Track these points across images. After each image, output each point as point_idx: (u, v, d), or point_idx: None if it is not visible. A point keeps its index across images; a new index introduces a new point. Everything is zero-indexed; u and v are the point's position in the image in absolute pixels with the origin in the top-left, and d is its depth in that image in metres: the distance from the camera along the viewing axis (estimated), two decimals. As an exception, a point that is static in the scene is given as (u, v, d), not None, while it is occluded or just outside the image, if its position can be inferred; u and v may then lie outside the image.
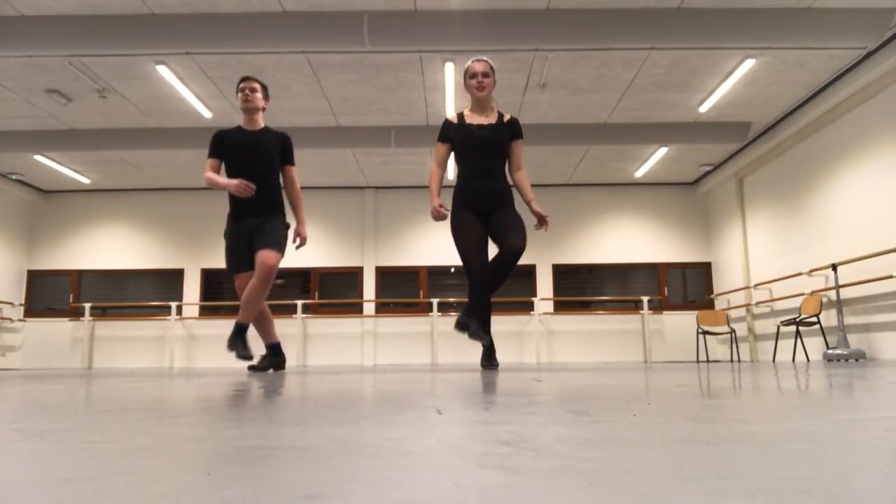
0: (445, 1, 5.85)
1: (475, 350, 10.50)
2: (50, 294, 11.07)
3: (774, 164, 9.00)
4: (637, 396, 1.43)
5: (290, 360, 10.54)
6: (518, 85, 7.40)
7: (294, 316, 10.61)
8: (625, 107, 8.08)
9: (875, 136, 6.91)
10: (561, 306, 10.98)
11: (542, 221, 4.06)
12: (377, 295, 10.93)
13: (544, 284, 10.93)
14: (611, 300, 11.01)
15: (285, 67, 6.91)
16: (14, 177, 10.32)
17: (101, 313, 10.94)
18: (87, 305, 10.61)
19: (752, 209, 9.73)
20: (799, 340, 8.28)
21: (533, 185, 10.67)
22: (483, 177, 4.04)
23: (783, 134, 8.40)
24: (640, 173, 10.51)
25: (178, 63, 6.74)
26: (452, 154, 4.20)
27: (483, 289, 3.87)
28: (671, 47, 6.36)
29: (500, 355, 10.53)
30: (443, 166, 4.14)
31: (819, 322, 7.48)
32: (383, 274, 11.06)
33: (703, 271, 11.12)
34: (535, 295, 10.84)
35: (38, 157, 9.30)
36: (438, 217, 3.99)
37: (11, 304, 10.68)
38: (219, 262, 10.44)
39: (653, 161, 9.89)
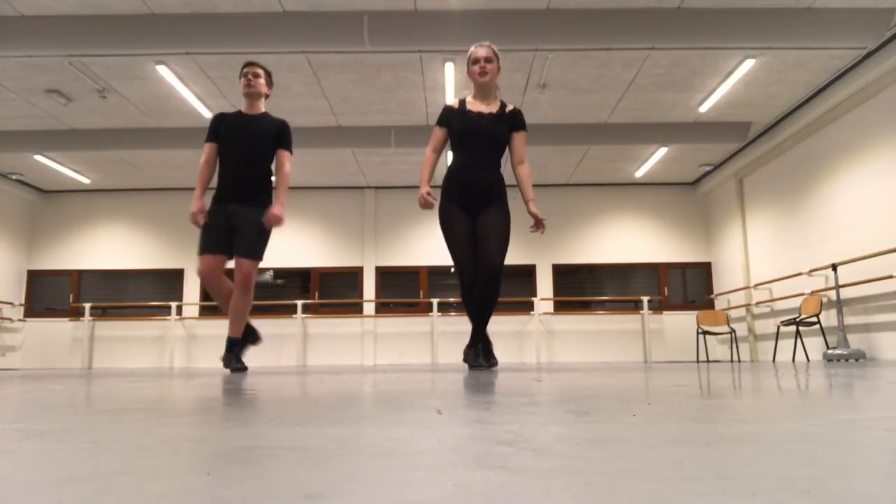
0: (445, 1, 5.85)
1: (475, 350, 10.48)
2: (50, 294, 11.07)
3: (774, 164, 9.00)
4: (637, 396, 1.43)
5: (290, 360, 10.54)
6: (518, 85, 7.39)
7: (294, 316, 10.61)
8: (625, 107, 8.08)
9: (875, 136, 6.91)
10: (561, 306, 10.98)
11: (538, 224, 3.93)
12: (377, 295, 10.93)
13: (544, 284, 10.94)
14: (611, 300, 11.01)
15: (285, 67, 6.91)
16: (14, 177, 10.32)
17: (101, 313, 10.94)
18: (87, 305, 10.61)
19: (752, 209, 9.73)
20: (799, 340, 8.28)
21: (533, 186, 10.65)
22: (475, 167, 3.87)
23: (783, 134, 8.40)
24: (640, 173, 10.51)
25: (178, 63, 6.74)
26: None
27: (477, 322, 3.86)
28: (671, 47, 6.36)
29: (501, 355, 10.52)
30: (437, 152, 3.98)
31: (819, 322, 7.48)
32: (383, 274, 11.06)
33: (703, 271, 11.12)
34: (535, 295, 10.84)
35: (38, 157, 9.30)
36: (425, 205, 3.83)
37: (11, 304, 10.68)
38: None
39: (653, 161, 9.89)
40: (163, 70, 6.80)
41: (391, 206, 11.14)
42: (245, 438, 0.80)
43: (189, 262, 10.99)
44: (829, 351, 6.80)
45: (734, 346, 10.12)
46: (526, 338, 10.63)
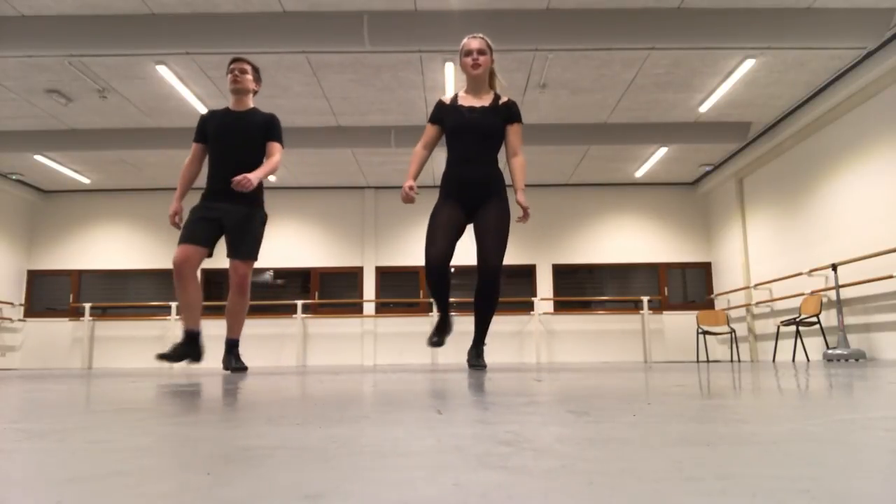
0: (445, 1, 5.85)
1: (475, 350, 10.49)
2: (50, 294, 11.07)
3: (774, 164, 9.00)
4: (637, 396, 1.43)
5: (290, 360, 10.54)
6: (518, 85, 7.39)
7: (294, 316, 10.61)
8: (625, 107, 8.08)
9: (875, 136, 6.91)
10: (561, 306, 10.98)
11: (525, 215, 3.76)
12: (377, 295, 10.93)
13: (544, 284, 10.93)
14: (611, 300, 11.01)
15: (285, 67, 6.91)
16: (14, 177, 10.32)
17: (101, 313, 10.94)
18: (87, 305, 10.61)
19: (752, 209, 9.73)
20: (799, 340, 8.28)
21: (533, 185, 10.65)
22: (471, 164, 3.76)
23: (783, 134, 8.41)
24: (640, 173, 10.51)
25: (178, 63, 6.74)
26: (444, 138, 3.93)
27: (480, 326, 3.89)
28: (671, 47, 6.36)
29: (501, 355, 10.53)
30: (428, 149, 3.86)
31: (819, 322, 7.48)
32: (383, 274, 11.06)
33: (703, 271, 11.12)
34: (535, 295, 10.83)
35: (38, 157, 9.30)
36: (406, 199, 3.71)
37: (11, 304, 10.68)
38: (218, 262, 10.41)
39: (653, 161, 9.89)
40: (163, 70, 6.80)
41: (391, 206, 11.14)
42: (245, 438, 0.80)
43: (189, 262, 10.97)
44: (829, 351, 6.80)
45: (734, 346, 10.12)
46: (526, 338, 10.62)
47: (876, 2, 5.86)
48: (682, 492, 0.47)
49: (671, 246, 11.12)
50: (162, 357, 3.88)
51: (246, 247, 4.01)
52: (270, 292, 11.01)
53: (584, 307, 11.01)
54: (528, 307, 10.74)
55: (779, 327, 8.34)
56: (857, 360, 6.67)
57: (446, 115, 3.83)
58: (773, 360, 8.48)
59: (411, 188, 3.71)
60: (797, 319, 7.56)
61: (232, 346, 4.15)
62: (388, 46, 6.17)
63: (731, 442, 0.72)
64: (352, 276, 11.08)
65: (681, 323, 10.75)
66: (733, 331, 9.78)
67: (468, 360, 3.95)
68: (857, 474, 0.53)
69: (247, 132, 4.09)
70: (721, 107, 8.09)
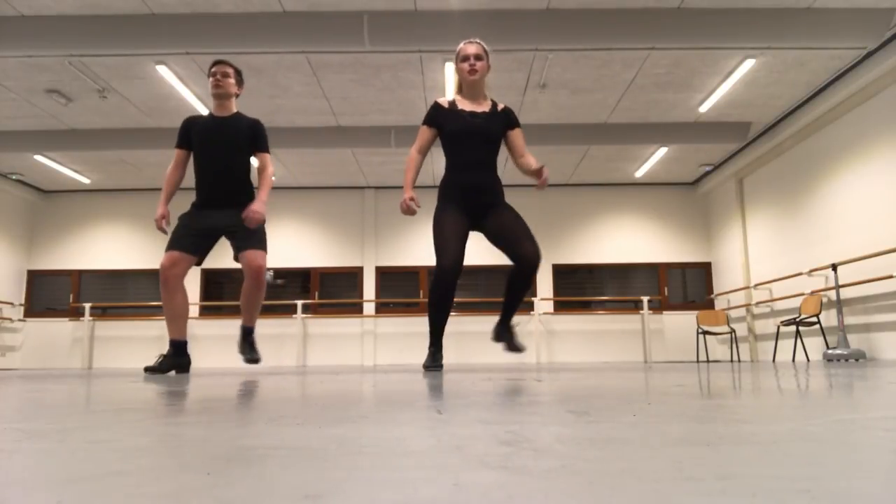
0: (445, 1, 5.85)
1: (475, 350, 10.50)
2: (50, 294, 11.07)
3: (774, 164, 9.01)
4: (637, 396, 1.43)
5: (290, 360, 10.55)
6: (518, 85, 7.39)
7: (294, 316, 10.61)
8: (625, 107, 8.08)
9: (875, 136, 6.91)
10: (561, 306, 10.98)
11: (541, 178, 3.62)
12: (377, 295, 10.93)
13: (544, 284, 10.93)
14: (611, 300, 11.01)
15: (285, 67, 6.91)
16: (14, 177, 10.33)
17: (101, 313, 10.94)
18: (87, 305, 10.61)
19: (752, 209, 9.73)
20: (799, 340, 8.28)
21: (533, 185, 10.65)
22: (473, 169, 3.71)
23: (783, 134, 8.41)
24: (640, 173, 10.51)
25: (178, 63, 6.74)
26: (438, 143, 3.89)
27: (507, 312, 3.83)
28: (671, 47, 6.36)
29: (501, 355, 10.53)
30: (423, 153, 3.79)
31: (819, 322, 7.48)
32: (383, 274, 11.06)
33: (703, 271, 11.12)
34: (535, 295, 10.84)
35: (38, 157, 9.30)
36: (407, 211, 3.64)
37: (11, 304, 10.68)
38: (218, 262, 10.44)
39: (653, 161, 9.90)
40: (163, 70, 6.80)
41: (391, 206, 11.14)
42: (245, 438, 0.80)
43: (189, 262, 10.97)
44: (829, 351, 6.80)
45: (734, 346, 10.12)
46: (526, 338, 10.62)
47: (876, 2, 5.86)
48: (682, 492, 0.47)
49: (671, 246, 11.13)
50: (149, 370, 3.88)
51: (257, 238, 4.02)
52: (270, 292, 11.01)
53: (585, 307, 11.01)
54: (527, 307, 10.74)
55: (779, 327, 8.34)
56: (857, 360, 6.67)
57: (445, 119, 3.78)
58: (773, 360, 8.48)
59: (412, 199, 3.64)
60: (797, 319, 7.56)
61: (247, 333, 4.16)
62: (388, 46, 6.17)
63: (731, 442, 0.72)
64: (352, 276, 11.08)
65: (681, 323, 10.75)
66: (733, 331, 9.78)
67: (501, 338, 3.78)
68: (857, 474, 0.53)
69: (232, 140, 4.07)
70: (721, 107, 8.09)
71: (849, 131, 7.35)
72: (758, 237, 9.55)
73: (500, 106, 3.89)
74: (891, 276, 6.48)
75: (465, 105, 3.82)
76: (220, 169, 4.04)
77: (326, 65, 6.89)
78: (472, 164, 3.74)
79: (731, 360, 9.08)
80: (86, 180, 10.54)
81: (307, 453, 0.68)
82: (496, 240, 3.73)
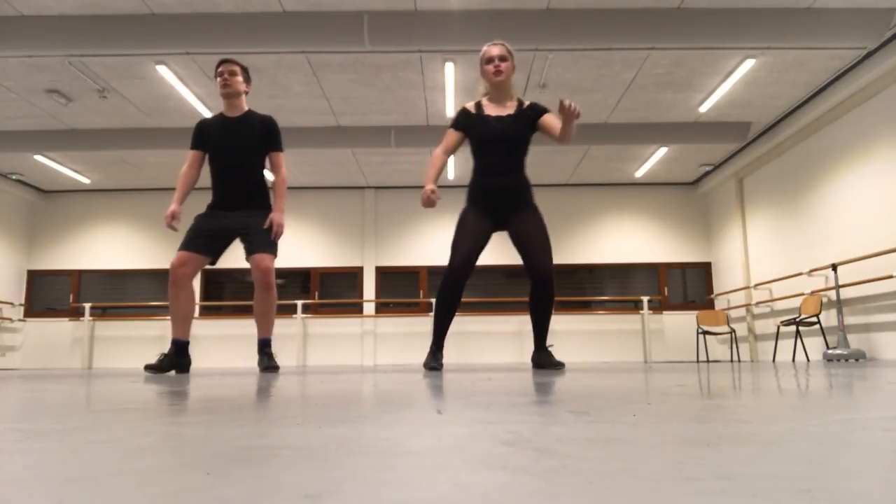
0: (445, 1, 5.85)
1: (475, 350, 10.50)
2: (50, 294, 11.07)
3: (774, 164, 9.01)
4: (637, 396, 1.43)
5: (290, 360, 10.55)
6: (518, 85, 7.39)
7: (294, 316, 10.61)
8: (625, 107, 8.08)
9: (875, 136, 6.91)
10: (561, 306, 10.98)
11: (569, 111, 3.47)
12: (377, 295, 10.93)
13: (544, 284, 10.91)
14: (611, 300, 11.01)
15: (285, 67, 6.91)
16: (14, 177, 10.33)
17: (101, 313, 10.94)
18: (87, 305, 10.61)
19: (752, 209, 9.73)
20: (799, 340, 8.28)
21: (533, 185, 10.66)
22: (499, 174, 3.72)
23: (783, 134, 8.41)
24: (640, 173, 10.51)
25: (178, 63, 6.74)
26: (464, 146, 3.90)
27: (539, 335, 3.82)
28: (671, 47, 6.36)
29: (501, 355, 10.54)
30: (448, 153, 3.80)
31: (819, 322, 7.48)
32: (383, 274, 11.06)
33: (703, 271, 11.13)
34: (535, 295, 10.82)
35: (38, 157, 9.30)
36: (427, 203, 3.65)
37: (11, 304, 10.69)
38: (219, 262, 10.40)
39: (653, 161, 9.90)
40: (163, 70, 6.80)
41: (391, 206, 11.14)
42: (245, 438, 0.80)
43: (189, 262, 10.97)
44: (829, 351, 6.80)
45: (734, 346, 10.12)
46: (526, 338, 10.62)
47: (876, 2, 5.86)
48: (682, 492, 0.47)
49: (671, 246, 11.13)
50: (149, 368, 3.87)
51: (265, 241, 3.99)
52: (270, 292, 11.00)
53: (584, 307, 11.01)
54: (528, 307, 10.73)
55: (779, 327, 8.34)
56: (857, 360, 6.68)
57: (473, 125, 3.78)
58: (773, 360, 8.49)
59: (433, 191, 3.64)
60: (797, 319, 7.56)
61: (264, 345, 4.07)
62: (388, 46, 6.17)
63: (731, 442, 0.72)
64: (352, 276, 11.08)
65: (681, 323, 10.76)
66: (733, 331, 9.78)
67: (539, 364, 3.79)
68: (857, 474, 0.53)
69: (246, 138, 4.05)
70: (721, 107, 8.09)
71: (849, 131, 7.35)
72: (758, 237, 9.55)
73: (527, 103, 3.84)
74: (891, 276, 6.48)
75: (491, 109, 3.81)
76: (233, 170, 4.03)
77: (326, 65, 6.89)
78: (497, 168, 3.75)
79: (731, 361, 9.08)
80: (86, 180, 10.54)
81: (307, 453, 0.68)
82: (516, 245, 3.77)
